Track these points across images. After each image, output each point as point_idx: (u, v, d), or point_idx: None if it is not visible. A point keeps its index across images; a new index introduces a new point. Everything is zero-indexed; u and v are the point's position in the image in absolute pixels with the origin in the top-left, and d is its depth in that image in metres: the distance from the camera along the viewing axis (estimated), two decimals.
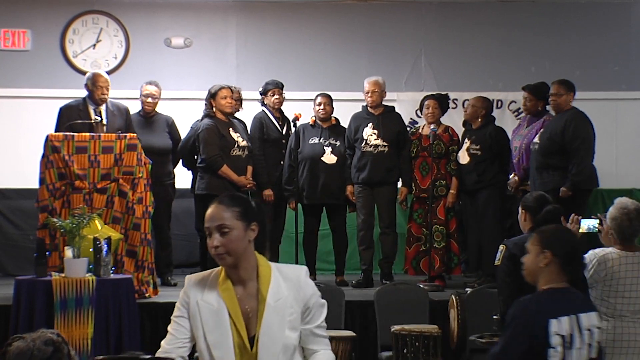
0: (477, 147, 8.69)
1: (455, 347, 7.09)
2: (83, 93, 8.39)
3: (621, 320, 5.28)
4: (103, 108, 8.17)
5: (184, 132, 8.91)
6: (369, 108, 8.86)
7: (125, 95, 8.95)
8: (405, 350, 6.81)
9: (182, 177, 9.07)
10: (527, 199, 5.53)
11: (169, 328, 3.56)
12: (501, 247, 5.44)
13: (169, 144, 8.83)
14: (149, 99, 8.81)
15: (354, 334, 7.05)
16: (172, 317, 3.55)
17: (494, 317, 5.44)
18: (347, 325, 7.37)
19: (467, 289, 7.77)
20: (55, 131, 7.93)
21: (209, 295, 3.49)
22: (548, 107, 8.53)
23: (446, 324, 7.15)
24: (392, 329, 6.88)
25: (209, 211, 3.46)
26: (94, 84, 8.17)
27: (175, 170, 9.01)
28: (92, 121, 7.99)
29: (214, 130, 8.37)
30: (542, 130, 8.30)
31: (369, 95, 8.81)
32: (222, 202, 3.49)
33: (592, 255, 5.35)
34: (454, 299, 7.12)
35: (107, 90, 8.17)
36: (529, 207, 5.48)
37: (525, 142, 8.46)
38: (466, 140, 8.81)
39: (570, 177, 7.98)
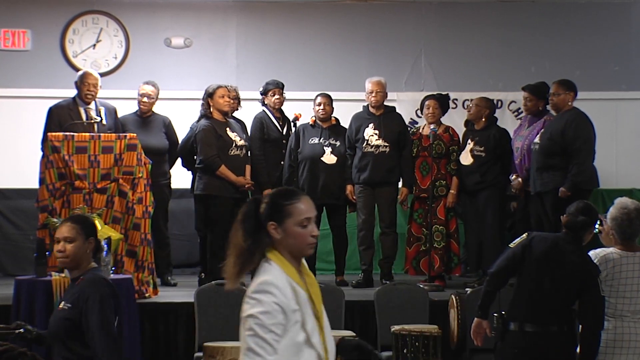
0: (481, 148, 8.68)
1: (455, 347, 7.10)
2: None
3: (622, 320, 5.28)
4: (102, 108, 8.16)
5: (184, 132, 8.90)
6: (370, 108, 8.85)
7: (125, 95, 8.97)
8: (405, 350, 6.81)
9: (182, 178, 9.07)
10: (570, 206, 5.51)
11: (274, 337, 3.40)
12: (525, 234, 5.45)
13: (165, 144, 8.83)
14: (145, 99, 8.81)
15: (354, 334, 7.04)
16: (270, 327, 3.40)
17: (494, 314, 5.45)
18: (347, 325, 7.37)
19: (467, 289, 7.76)
20: (45, 131, 7.94)
21: (295, 285, 3.48)
22: (548, 107, 8.53)
23: (446, 324, 7.15)
24: (392, 329, 6.88)
25: (307, 202, 3.53)
26: (82, 82, 8.19)
27: (171, 170, 9.00)
28: (92, 121, 7.99)
29: (211, 130, 8.36)
30: (542, 130, 8.30)
31: (373, 95, 8.80)
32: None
33: (593, 256, 5.35)
34: (454, 299, 7.12)
35: (94, 88, 8.17)
36: (569, 211, 5.48)
37: (527, 143, 8.45)
38: (469, 141, 8.79)
39: (570, 177, 7.98)
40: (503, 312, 5.36)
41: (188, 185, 8.91)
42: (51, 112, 8.22)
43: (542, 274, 5.27)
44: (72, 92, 8.43)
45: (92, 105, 8.18)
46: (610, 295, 5.28)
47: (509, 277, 5.45)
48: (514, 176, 8.60)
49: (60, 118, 8.07)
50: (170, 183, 8.93)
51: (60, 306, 4.64)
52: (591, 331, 5.21)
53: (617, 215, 5.37)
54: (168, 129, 8.93)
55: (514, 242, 5.47)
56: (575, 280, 5.24)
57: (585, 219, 5.36)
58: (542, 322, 5.24)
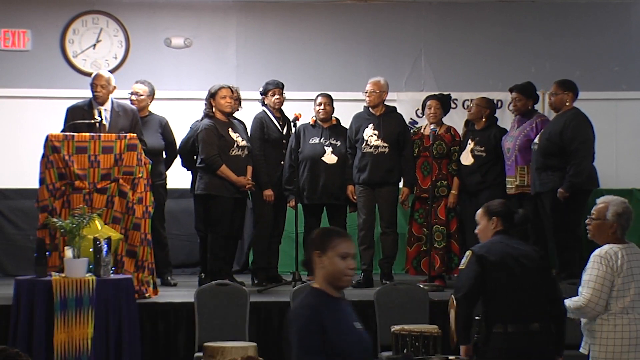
0: (482, 148, 8.68)
1: (455, 347, 7.10)
2: (82, 93, 8.40)
3: (628, 319, 5.26)
4: (108, 108, 8.15)
5: (184, 132, 8.91)
6: (371, 108, 8.86)
7: (125, 95, 8.96)
8: (405, 350, 6.81)
9: (182, 178, 9.07)
10: (494, 205, 5.65)
11: None
12: (468, 252, 5.55)
13: (160, 144, 8.82)
14: (133, 97, 8.83)
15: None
16: None
17: (476, 317, 5.49)
18: None
19: None
20: (62, 131, 7.93)
21: None
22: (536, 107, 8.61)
23: (446, 324, 7.14)
24: (392, 329, 6.88)
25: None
26: (92, 83, 8.20)
27: (169, 171, 8.99)
28: (93, 121, 7.98)
29: (213, 130, 8.37)
30: (542, 130, 8.31)
31: (367, 95, 8.82)
32: None
33: (595, 257, 5.33)
34: (454, 299, 7.13)
35: (103, 89, 8.12)
36: (500, 212, 5.60)
37: (518, 143, 8.45)
38: (469, 141, 8.79)
39: (567, 178, 7.97)
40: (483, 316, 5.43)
41: (187, 185, 8.91)
42: (68, 112, 8.20)
43: (510, 279, 5.35)
44: (71, 92, 8.48)
45: (108, 106, 8.16)
46: (623, 288, 5.26)
47: (479, 294, 5.46)
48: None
49: (75, 119, 8.04)
50: (166, 184, 8.92)
51: (359, 326, 4.20)
52: (562, 319, 5.38)
53: (622, 210, 5.37)
54: (164, 129, 8.91)
55: (462, 262, 5.54)
56: (538, 271, 5.39)
57: (522, 215, 5.59)
58: (524, 321, 5.31)
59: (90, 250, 6.94)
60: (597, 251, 5.38)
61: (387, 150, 8.71)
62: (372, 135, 8.73)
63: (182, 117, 9.27)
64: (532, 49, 10.90)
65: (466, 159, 8.75)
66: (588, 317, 5.31)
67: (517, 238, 5.50)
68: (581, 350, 5.39)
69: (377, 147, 8.70)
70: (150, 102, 8.94)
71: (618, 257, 5.29)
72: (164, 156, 8.93)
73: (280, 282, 8.75)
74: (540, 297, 5.37)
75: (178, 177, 9.11)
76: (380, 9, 10.92)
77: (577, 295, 5.36)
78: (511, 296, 5.32)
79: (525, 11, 10.96)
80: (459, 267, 5.59)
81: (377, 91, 8.82)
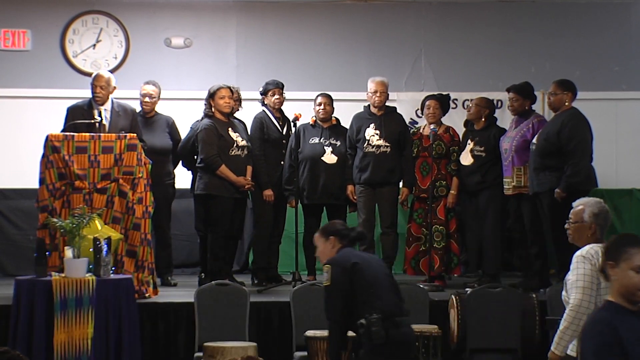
0: (482, 148, 8.68)
1: (455, 347, 7.11)
2: (82, 93, 8.40)
3: None
4: (108, 108, 8.15)
5: (184, 132, 8.92)
6: (372, 108, 8.84)
7: (125, 95, 8.97)
8: None
9: (182, 178, 9.07)
10: (329, 225, 6.22)
11: None
12: (326, 267, 5.81)
13: (169, 144, 8.83)
14: (147, 99, 8.82)
15: (354, 334, 7.04)
16: None
17: (362, 321, 5.73)
18: None
19: (467, 289, 7.76)
20: (62, 131, 7.93)
21: None
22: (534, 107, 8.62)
23: (446, 324, 7.16)
24: None
25: None
26: (92, 84, 8.19)
27: (175, 170, 9.00)
28: (93, 121, 7.98)
29: (213, 130, 8.38)
30: (540, 130, 8.31)
31: (377, 95, 8.79)
32: None
33: (579, 258, 5.30)
34: (454, 299, 7.14)
35: (103, 90, 8.12)
36: (336, 231, 6.01)
37: (515, 144, 8.45)
38: (469, 141, 8.79)
39: (565, 178, 7.97)
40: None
41: (188, 185, 8.92)
42: (68, 112, 8.20)
43: (376, 277, 5.79)
44: (71, 92, 8.47)
45: (108, 106, 8.16)
46: (605, 286, 5.23)
47: (352, 301, 5.76)
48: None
49: (75, 119, 8.05)
50: (174, 183, 8.94)
51: None
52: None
53: (599, 210, 5.35)
54: (171, 128, 8.93)
55: (325, 280, 5.82)
56: (390, 270, 6.20)
57: (358, 231, 6.14)
58: (401, 315, 5.78)
59: (90, 250, 6.94)
60: (577, 252, 5.34)
61: (389, 150, 8.71)
62: (373, 135, 8.72)
63: (182, 117, 9.27)
64: (532, 49, 10.90)
65: (466, 159, 8.75)
66: (584, 318, 5.25)
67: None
68: (569, 352, 5.36)
69: (379, 146, 8.70)
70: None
71: (599, 255, 5.27)
72: (171, 156, 8.93)
73: (280, 282, 8.75)
74: (399, 294, 5.90)
75: (178, 177, 9.11)
76: (380, 9, 10.92)
77: (564, 299, 5.32)
78: (383, 292, 5.77)
79: (525, 11, 10.96)
80: (324, 284, 5.83)
81: (386, 92, 8.83)
